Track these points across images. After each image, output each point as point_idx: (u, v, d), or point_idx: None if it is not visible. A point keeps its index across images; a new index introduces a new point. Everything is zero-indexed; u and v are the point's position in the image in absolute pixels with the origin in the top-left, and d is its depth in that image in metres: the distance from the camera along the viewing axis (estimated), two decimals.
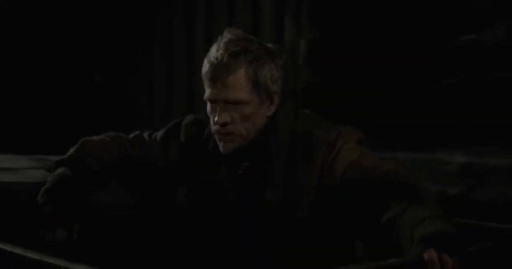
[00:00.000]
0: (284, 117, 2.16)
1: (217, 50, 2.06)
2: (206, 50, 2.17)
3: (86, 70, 5.36)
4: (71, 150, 2.28)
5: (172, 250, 2.32)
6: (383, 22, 3.66)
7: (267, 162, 2.13)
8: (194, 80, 2.23)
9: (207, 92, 2.10)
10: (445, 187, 3.04)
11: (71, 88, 5.32)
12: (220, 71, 2.04)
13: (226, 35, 2.11)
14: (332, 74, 3.90)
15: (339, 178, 2.05)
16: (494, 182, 2.97)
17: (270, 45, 2.15)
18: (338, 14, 3.87)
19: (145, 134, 2.36)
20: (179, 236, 2.30)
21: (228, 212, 2.18)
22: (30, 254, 1.48)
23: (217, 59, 2.04)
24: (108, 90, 5.38)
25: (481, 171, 3.04)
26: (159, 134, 2.33)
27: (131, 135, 2.37)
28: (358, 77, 3.78)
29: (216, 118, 2.08)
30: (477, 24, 3.29)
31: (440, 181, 3.06)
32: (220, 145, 2.13)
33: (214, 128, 2.12)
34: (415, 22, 3.55)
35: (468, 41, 3.32)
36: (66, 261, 1.35)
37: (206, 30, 4.75)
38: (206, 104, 2.15)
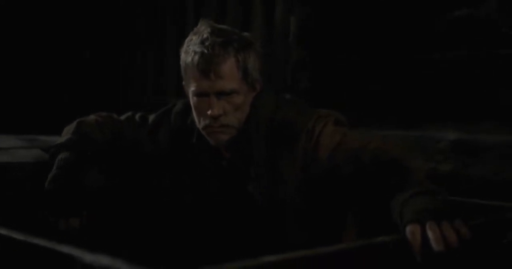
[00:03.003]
0: (264, 106, 2.14)
1: (203, 42, 2.01)
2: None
3: (76, 48, 5.35)
4: (67, 132, 2.25)
5: (154, 238, 2.30)
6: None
7: (249, 154, 2.12)
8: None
9: (197, 85, 2.04)
10: (437, 165, 3.04)
11: (60, 66, 5.32)
12: (213, 62, 2.00)
13: (205, 27, 2.07)
14: (322, 51, 3.88)
15: (325, 163, 2.04)
16: (486, 159, 2.97)
17: (246, 34, 2.13)
18: None
19: (137, 116, 2.33)
20: (162, 224, 2.28)
21: (212, 203, 2.17)
22: (38, 241, 1.48)
23: (207, 50, 2.00)
24: (99, 66, 5.38)
25: (473, 148, 3.04)
26: (150, 118, 2.30)
27: (123, 116, 2.34)
28: (348, 53, 3.77)
29: (209, 112, 2.03)
30: (471, 0, 3.28)
31: (432, 159, 3.06)
32: (212, 138, 2.10)
33: (204, 122, 2.07)
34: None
35: (461, 16, 3.31)
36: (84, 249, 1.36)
37: (196, 4, 4.73)
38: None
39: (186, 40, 2.10)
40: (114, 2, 5.38)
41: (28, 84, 5.20)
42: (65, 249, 1.39)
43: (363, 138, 2.04)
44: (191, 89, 2.07)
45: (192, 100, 2.09)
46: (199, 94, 2.06)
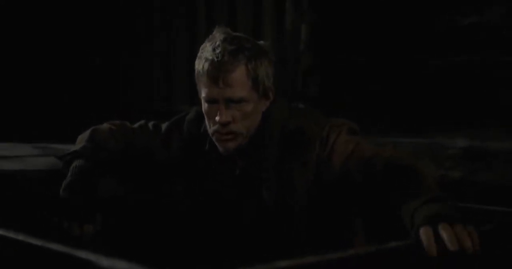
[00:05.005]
0: (277, 114, 2.16)
1: (215, 49, 2.03)
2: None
3: (87, 54, 5.37)
4: (81, 140, 2.27)
5: (167, 244, 2.32)
6: (383, 7, 3.67)
7: (262, 161, 2.13)
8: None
9: (206, 91, 2.06)
10: (447, 171, 3.05)
11: (71, 75, 5.34)
12: (222, 70, 2.02)
13: (219, 34, 2.09)
14: (331, 58, 3.90)
15: (338, 171, 2.05)
16: (495, 166, 2.98)
17: (261, 42, 2.16)
18: None
19: (150, 125, 2.34)
20: (175, 230, 2.30)
21: (225, 210, 2.19)
22: (51, 246, 1.50)
23: (217, 57, 2.02)
24: (110, 72, 5.40)
25: (482, 155, 3.05)
26: (163, 127, 2.31)
27: (136, 125, 2.36)
28: (359, 60, 3.79)
29: (217, 118, 2.05)
30: (476, 6, 3.29)
31: (442, 165, 3.07)
32: (220, 145, 2.11)
33: (213, 128, 2.09)
34: (414, 6, 3.56)
35: (469, 23, 3.32)
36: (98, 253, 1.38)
37: (207, 11, 4.75)
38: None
39: (201, 46, 2.12)
40: (123, 8, 5.40)
41: (40, 93, 5.22)
42: (82, 254, 1.41)
43: (375, 146, 2.07)
44: (202, 95, 2.09)
45: (204, 106, 2.11)
46: (208, 100, 2.08)
